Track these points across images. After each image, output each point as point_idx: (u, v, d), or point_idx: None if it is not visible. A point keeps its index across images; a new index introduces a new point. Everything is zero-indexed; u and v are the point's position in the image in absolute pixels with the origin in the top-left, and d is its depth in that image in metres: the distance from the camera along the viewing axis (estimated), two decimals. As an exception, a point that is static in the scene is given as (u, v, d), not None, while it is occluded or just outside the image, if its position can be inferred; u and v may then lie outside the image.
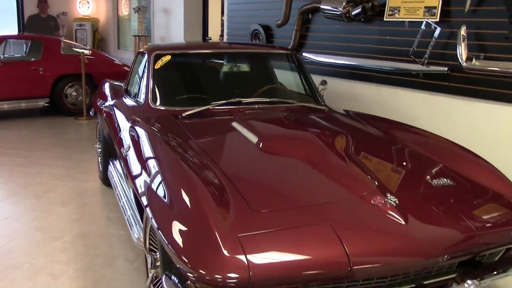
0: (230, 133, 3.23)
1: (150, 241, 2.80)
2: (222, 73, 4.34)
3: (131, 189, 3.16)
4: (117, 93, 4.56)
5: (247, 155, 2.90)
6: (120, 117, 3.93)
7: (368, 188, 2.44)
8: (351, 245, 2.06)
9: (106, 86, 5.01)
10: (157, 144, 2.98)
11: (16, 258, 3.50)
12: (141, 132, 3.19)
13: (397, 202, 2.33)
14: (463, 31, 3.81)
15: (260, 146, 2.94)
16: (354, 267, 2.02)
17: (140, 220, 3.12)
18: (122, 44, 10.87)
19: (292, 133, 3.29)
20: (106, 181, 4.92)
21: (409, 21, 4.35)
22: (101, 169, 5.06)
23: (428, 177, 2.72)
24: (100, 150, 5.04)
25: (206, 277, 1.96)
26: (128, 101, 4.14)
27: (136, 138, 3.15)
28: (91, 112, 5.59)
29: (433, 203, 2.46)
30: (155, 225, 2.29)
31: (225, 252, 1.96)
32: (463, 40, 3.82)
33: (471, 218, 2.37)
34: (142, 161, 2.85)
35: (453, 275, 2.38)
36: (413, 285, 2.37)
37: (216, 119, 3.50)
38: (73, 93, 8.36)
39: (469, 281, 2.28)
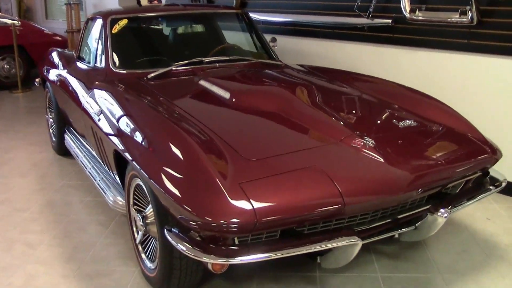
0: (199, 91, 3.31)
1: (136, 201, 2.86)
2: (178, 35, 4.36)
3: (105, 152, 3.17)
4: (69, 61, 4.45)
5: (222, 110, 3.00)
6: (80, 84, 3.89)
7: (345, 132, 2.63)
8: (342, 184, 2.24)
9: (54, 55, 4.87)
10: (132, 103, 3.03)
11: (-14, 232, 3.46)
12: (111, 94, 3.20)
13: (374, 143, 2.54)
14: (406, -17, 4.04)
15: (233, 100, 3.04)
16: (347, 204, 2.21)
17: (119, 183, 3.16)
18: (49, 13, 10.38)
19: (261, 87, 3.42)
20: (60, 151, 4.86)
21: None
22: (54, 139, 4.97)
23: (394, 120, 2.94)
24: (52, 120, 4.93)
25: (212, 224, 2.07)
26: (85, 67, 4.08)
27: (108, 101, 3.15)
28: (36, 83, 5.41)
29: (403, 142, 2.69)
30: (148, 179, 2.35)
31: (230, 198, 2.08)
32: (406, -7, 4.05)
33: (438, 154, 2.63)
34: (121, 120, 2.87)
35: (426, 207, 2.64)
36: (389, 220, 2.62)
37: (182, 79, 3.55)
38: (5, 66, 7.99)
39: (442, 210, 2.54)
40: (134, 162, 2.53)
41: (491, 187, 2.90)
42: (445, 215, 2.55)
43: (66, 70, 4.35)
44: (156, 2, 9.38)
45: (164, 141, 2.48)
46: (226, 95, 3.09)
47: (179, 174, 2.25)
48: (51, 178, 4.41)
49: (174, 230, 2.30)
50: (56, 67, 4.66)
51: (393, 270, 2.94)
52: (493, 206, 3.77)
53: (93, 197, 3.98)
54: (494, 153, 2.84)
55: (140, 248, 2.88)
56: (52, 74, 4.65)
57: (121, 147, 2.72)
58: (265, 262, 2.93)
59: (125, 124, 2.80)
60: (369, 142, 2.54)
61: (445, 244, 3.23)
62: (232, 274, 2.89)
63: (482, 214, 3.64)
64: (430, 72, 4.09)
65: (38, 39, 8.24)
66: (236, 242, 2.25)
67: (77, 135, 4.29)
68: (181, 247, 2.20)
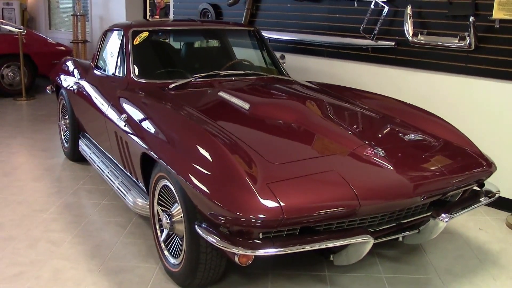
0: (219, 101, 3.55)
1: (161, 201, 3.07)
2: (195, 49, 4.62)
3: (129, 156, 3.39)
4: (86, 70, 4.67)
5: (243, 119, 3.24)
6: (101, 92, 4.10)
7: (357, 143, 2.89)
8: (357, 187, 2.50)
9: (70, 64, 5.09)
10: (159, 108, 3.30)
11: (10, 230, 3.62)
12: (138, 101, 3.45)
13: (384, 153, 2.80)
14: (409, 10, 4.36)
15: (253, 111, 3.29)
16: (362, 206, 2.46)
17: (142, 186, 3.37)
18: (52, 24, 10.59)
19: (277, 100, 3.69)
20: (73, 156, 5.05)
21: (358, 1, 4.84)
22: (66, 145, 5.16)
23: (399, 133, 3.21)
24: (65, 126, 5.13)
25: (242, 218, 2.31)
26: (104, 76, 4.30)
27: (135, 107, 3.39)
28: (48, 90, 5.61)
29: (409, 153, 2.97)
30: (181, 179, 2.57)
31: (260, 196, 2.32)
32: (410, 18, 4.37)
33: (440, 164, 2.89)
34: (150, 124, 3.11)
35: (428, 214, 2.90)
36: (395, 224, 2.87)
37: (201, 90, 3.80)
38: (9, 74, 8.16)
39: (443, 215, 2.81)
40: (164, 163, 2.75)
41: (486, 197, 3.17)
42: (446, 219, 2.81)
43: (84, 79, 4.57)
44: (157, 17, 9.64)
45: (194, 142, 2.73)
46: (245, 105, 3.34)
47: (210, 173, 2.49)
48: (65, 182, 4.60)
49: (204, 225, 2.52)
50: (72, 75, 4.87)
51: (395, 271, 3.18)
52: (485, 218, 4.04)
53: (108, 201, 4.18)
54: (489, 167, 3.12)
55: (163, 245, 3.09)
56: (68, 82, 4.86)
57: (151, 149, 2.94)
58: (278, 261, 3.19)
59: (154, 128, 3.04)
60: (380, 151, 2.80)
61: (442, 250, 3.49)
62: (248, 271, 3.11)
63: (474, 224, 3.91)
64: (429, 92, 4.39)
65: (43, 48, 8.43)
66: (260, 237, 2.47)
67: (94, 141, 4.49)
68: (212, 239, 2.42)
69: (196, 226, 2.54)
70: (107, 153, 4.16)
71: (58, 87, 5.30)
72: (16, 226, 3.69)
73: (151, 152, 2.92)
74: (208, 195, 2.41)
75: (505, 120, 4.04)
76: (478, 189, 3.23)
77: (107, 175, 3.99)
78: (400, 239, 2.96)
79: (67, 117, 5.01)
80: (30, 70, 8.25)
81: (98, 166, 4.22)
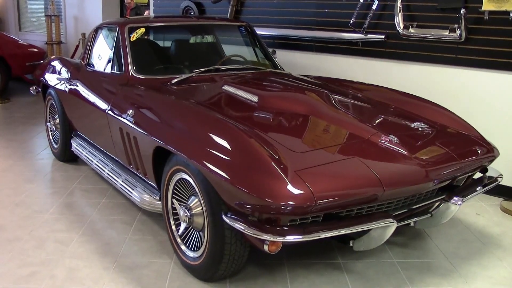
0: (225, 95, 3.55)
1: (176, 195, 3.06)
2: (191, 44, 4.61)
3: (137, 151, 3.36)
4: (77, 68, 4.60)
5: (252, 111, 3.26)
6: (98, 90, 4.05)
7: (371, 131, 2.96)
8: (380, 173, 2.56)
9: (57, 63, 4.99)
10: (169, 102, 3.30)
11: (12, 231, 3.54)
12: (147, 96, 3.44)
13: (398, 139, 2.87)
14: (399, 3, 4.48)
15: (261, 103, 3.31)
16: (386, 191, 2.52)
17: (151, 182, 3.36)
18: (22, 25, 10.33)
19: (283, 92, 3.72)
20: (63, 157, 4.96)
21: (347, -5, 4.93)
22: (55, 146, 5.06)
23: (405, 121, 3.30)
24: (54, 127, 5.02)
25: (273, 206, 2.34)
26: (100, 74, 4.24)
27: (145, 102, 3.38)
28: (32, 91, 5.49)
29: (419, 139, 3.06)
30: (206, 171, 2.57)
31: (290, 183, 2.35)
32: (400, 11, 4.48)
33: (451, 149, 2.99)
34: (162, 117, 3.11)
35: (440, 197, 2.99)
36: (406, 210, 2.95)
37: (204, 84, 3.80)
38: (-19, 77, 7.92)
39: (455, 198, 2.91)
40: (185, 155, 2.74)
41: (489, 181, 3.29)
42: (459, 202, 2.91)
43: (76, 77, 4.49)
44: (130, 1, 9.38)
45: (214, 131, 2.74)
46: (253, 98, 3.36)
47: (237, 161, 2.51)
48: (60, 183, 4.51)
49: (230, 215, 2.54)
50: (62, 74, 4.78)
51: (406, 256, 3.27)
52: (479, 204, 4.19)
53: (108, 199, 4.13)
54: (492, 151, 3.24)
55: (179, 240, 3.08)
56: (58, 82, 4.76)
57: (167, 143, 2.92)
58: (292, 251, 3.23)
59: (169, 121, 3.04)
60: (394, 138, 2.87)
61: (446, 235, 3.60)
62: (264, 262, 3.14)
63: (470, 210, 4.05)
64: (419, 84, 4.51)
65: (16, 50, 8.22)
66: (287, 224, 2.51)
67: (89, 140, 4.42)
68: (240, 227, 2.44)
69: (223, 216, 2.54)
70: (106, 151, 4.10)
71: (44, 87, 5.20)
72: (19, 227, 3.61)
73: (168, 146, 2.91)
74: (235, 183, 2.42)
75: (495, 109, 4.19)
76: (481, 174, 3.35)
77: (107, 174, 3.94)
78: (412, 224, 3.05)
79: (56, 117, 4.91)
80: (4, 73, 8.03)
81: (96, 164, 4.16)
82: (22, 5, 10.35)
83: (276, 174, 2.39)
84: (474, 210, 4.05)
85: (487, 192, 4.26)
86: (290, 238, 2.41)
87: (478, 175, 3.36)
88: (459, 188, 3.12)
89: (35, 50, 8.54)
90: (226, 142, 2.63)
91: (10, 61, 7.97)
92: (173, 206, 3.12)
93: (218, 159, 2.56)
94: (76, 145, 4.61)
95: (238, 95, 3.47)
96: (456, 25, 4.20)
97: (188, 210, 2.90)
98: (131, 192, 3.54)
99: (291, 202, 2.32)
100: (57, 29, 8.39)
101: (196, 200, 2.86)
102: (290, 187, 2.34)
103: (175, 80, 3.76)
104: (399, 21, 4.48)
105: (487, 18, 4.06)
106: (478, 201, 4.24)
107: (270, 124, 3.10)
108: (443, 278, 3.04)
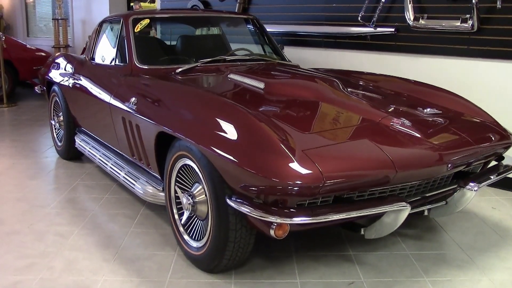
0: (231, 83, 3.45)
1: (179, 183, 2.94)
2: (197, 37, 4.54)
3: (140, 140, 3.26)
4: (82, 64, 4.53)
5: (259, 97, 3.15)
6: (102, 82, 3.97)
7: (381, 114, 2.83)
8: (392, 154, 2.43)
9: (62, 60, 4.93)
10: (172, 87, 3.22)
11: (12, 224, 3.44)
12: (147, 84, 3.35)
13: (410, 123, 2.75)
14: (409, -5, 4.36)
15: (268, 90, 3.21)
16: (398, 172, 2.39)
17: (152, 172, 3.25)
18: (31, 31, 10.35)
19: (290, 79, 3.61)
20: (67, 154, 4.88)
21: (355, -11, 4.84)
22: (59, 143, 4.98)
23: (418, 107, 3.17)
24: (58, 124, 4.95)
25: (279, 186, 2.21)
26: (104, 67, 4.16)
27: (148, 89, 3.29)
28: (37, 90, 5.44)
29: (433, 124, 2.92)
30: (210, 153, 2.46)
31: (298, 163, 2.23)
32: (410, 3, 4.37)
33: (466, 134, 2.86)
34: (165, 102, 3.03)
35: (453, 186, 2.85)
36: (419, 197, 2.81)
37: (210, 74, 3.71)
38: (-12, 81, 7.89)
39: (471, 183, 2.77)
40: (189, 139, 2.62)
41: (505, 169, 3.15)
42: (475, 188, 2.77)
43: (80, 72, 4.42)
44: (138, 7, 9.38)
45: (218, 113, 2.63)
46: (260, 85, 3.25)
47: (242, 142, 2.39)
48: (63, 179, 4.42)
49: (235, 198, 2.41)
50: (66, 70, 4.71)
51: (420, 248, 3.13)
52: (495, 198, 4.04)
53: (111, 195, 4.03)
54: (508, 138, 3.10)
55: (182, 229, 2.96)
56: (62, 77, 4.70)
57: (170, 127, 2.81)
58: (300, 243, 3.10)
59: (172, 106, 2.95)
60: (406, 121, 2.75)
61: (461, 227, 3.45)
62: (271, 255, 3.01)
63: (486, 204, 3.90)
64: (431, 77, 4.36)
65: (23, 54, 8.22)
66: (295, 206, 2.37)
67: (93, 134, 4.33)
68: (246, 209, 2.31)
69: (227, 199, 2.42)
70: (109, 145, 4.01)
71: (49, 85, 5.13)
72: (18, 221, 3.51)
73: (171, 130, 2.80)
74: (242, 165, 2.30)
75: (509, 100, 4.05)
76: (496, 162, 3.22)
77: (110, 167, 3.85)
78: (426, 213, 2.91)
79: (60, 114, 4.84)
80: (11, 77, 8.01)
81: (99, 159, 4.07)
82: (30, 11, 10.38)
83: (283, 153, 2.27)
84: (490, 204, 3.90)
85: (503, 187, 4.17)
86: (297, 220, 2.28)
87: (493, 163, 3.22)
88: (475, 175, 2.97)
89: (43, 54, 8.53)
90: (234, 125, 2.51)
91: (17, 65, 7.97)
92: (176, 195, 3.01)
93: (225, 143, 2.44)
94: (80, 141, 4.52)
95: (244, 82, 3.36)
96: (468, 15, 4.08)
97: (191, 198, 2.79)
98: (134, 184, 3.44)
99: (298, 182, 2.20)
100: (65, 33, 8.38)
101: (200, 187, 2.75)
102: (297, 166, 2.22)
103: (180, 70, 3.66)
104: (409, 13, 4.37)
105: (499, 7, 3.94)
106: (494, 195, 4.09)
107: (277, 109, 2.99)
108: (459, 269, 2.88)
